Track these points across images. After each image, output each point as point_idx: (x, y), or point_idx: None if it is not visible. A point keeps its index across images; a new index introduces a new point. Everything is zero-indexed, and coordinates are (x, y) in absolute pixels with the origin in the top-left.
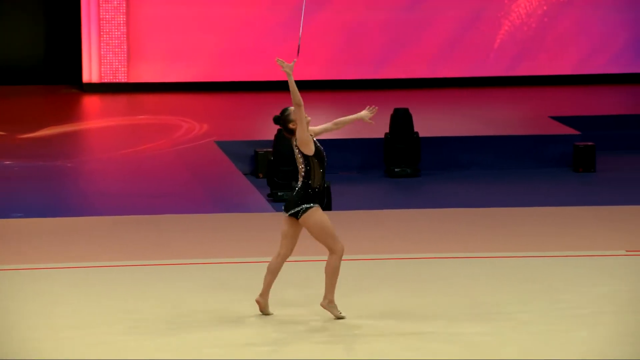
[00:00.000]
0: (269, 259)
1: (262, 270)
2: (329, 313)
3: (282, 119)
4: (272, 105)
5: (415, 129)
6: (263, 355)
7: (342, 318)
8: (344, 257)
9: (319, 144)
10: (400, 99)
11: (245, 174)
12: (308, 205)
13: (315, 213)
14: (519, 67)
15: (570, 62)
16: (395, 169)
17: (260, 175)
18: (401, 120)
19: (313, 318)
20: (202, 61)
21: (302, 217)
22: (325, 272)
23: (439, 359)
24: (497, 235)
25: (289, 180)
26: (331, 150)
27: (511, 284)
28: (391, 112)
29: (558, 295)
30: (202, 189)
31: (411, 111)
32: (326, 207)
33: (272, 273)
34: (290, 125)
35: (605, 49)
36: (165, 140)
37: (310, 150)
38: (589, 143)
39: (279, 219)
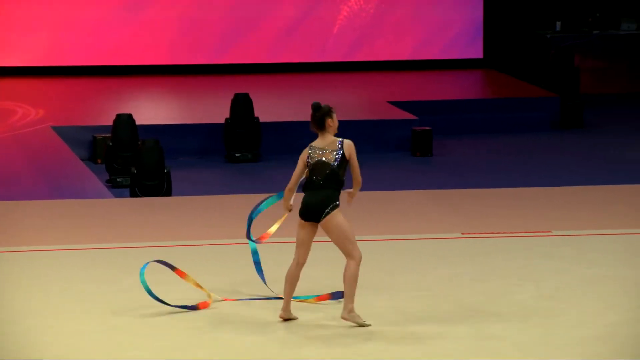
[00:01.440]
0: (109, 244)
1: (100, 256)
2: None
3: (323, 110)
4: (109, 90)
5: (256, 114)
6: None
7: (367, 326)
8: (180, 243)
9: (312, 160)
10: (240, 84)
11: (83, 160)
12: (338, 204)
13: (338, 215)
14: (358, 52)
15: (407, 48)
16: (236, 154)
17: (99, 161)
18: (241, 105)
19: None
20: (37, 46)
21: (324, 219)
22: (344, 280)
23: None
24: None
25: (128, 167)
26: (171, 135)
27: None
28: (231, 97)
29: (396, 277)
30: (39, 175)
31: (251, 96)
32: (166, 192)
33: (292, 284)
34: (328, 122)
35: (441, 35)
36: (0, 125)
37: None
38: (426, 128)
39: (131, 206)
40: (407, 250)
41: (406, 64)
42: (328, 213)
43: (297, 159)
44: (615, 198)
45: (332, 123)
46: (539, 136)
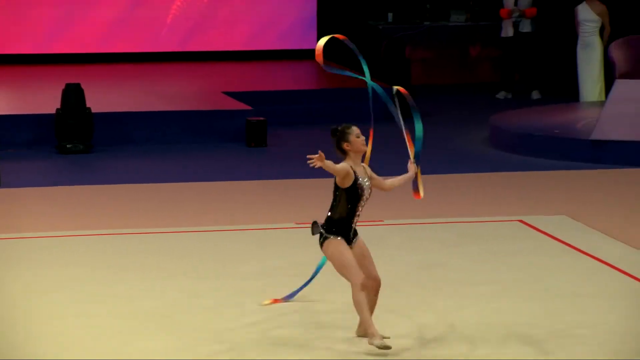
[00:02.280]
0: None
1: None
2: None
3: (339, 133)
4: None
5: (88, 105)
6: None
7: (387, 348)
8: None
9: (361, 182)
10: (71, 74)
11: None
12: (327, 235)
13: (327, 247)
14: (192, 42)
15: (241, 39)
16: (67, 145)
17: None
18: (72, 95)
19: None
20: None
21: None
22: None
23: None
24: (172, 211)
25: None
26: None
27: (181, 256)
28: (62, 87)
29: (237, 267)
30: None
31: (83, 86)
32: None
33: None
34: (345, 146)
35: (275, 26)
36: None
37: (344, 183)
38: (261, 118)
39: None
40: (245, 240)
41: (240, 55)
42: (321, 247)
43: (131, 150)
44: (446, 187)
45: (350, 146)
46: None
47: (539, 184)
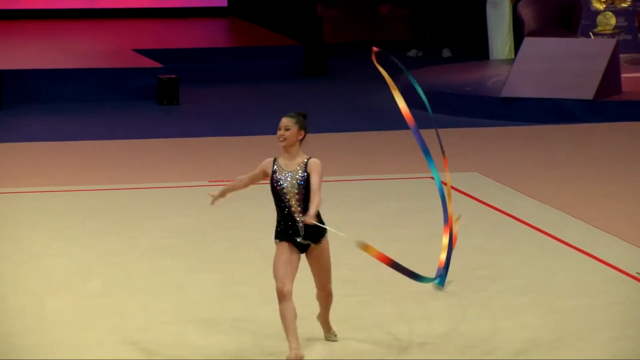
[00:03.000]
0: None
1: None
2: None
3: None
4: None
5: None
6: None
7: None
8: None
9: (278, 176)
10: None
11: None
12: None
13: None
14: None
15: None
16: None
17: None
18: None
19: None
20: None
21: None
22: None
23: None
24: (82, 169)
25: None
26: None
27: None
28: None
29: (142, 225)
30: None
31: None
32: None
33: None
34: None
35: None
36: None
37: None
38: (173, 76)
39: None
40: (154, 198)
41: (150, 12)
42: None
43: (41, 108)
44: (360, 145)
45: (302, 136)
46: (284, 84)
47: (451, 142)
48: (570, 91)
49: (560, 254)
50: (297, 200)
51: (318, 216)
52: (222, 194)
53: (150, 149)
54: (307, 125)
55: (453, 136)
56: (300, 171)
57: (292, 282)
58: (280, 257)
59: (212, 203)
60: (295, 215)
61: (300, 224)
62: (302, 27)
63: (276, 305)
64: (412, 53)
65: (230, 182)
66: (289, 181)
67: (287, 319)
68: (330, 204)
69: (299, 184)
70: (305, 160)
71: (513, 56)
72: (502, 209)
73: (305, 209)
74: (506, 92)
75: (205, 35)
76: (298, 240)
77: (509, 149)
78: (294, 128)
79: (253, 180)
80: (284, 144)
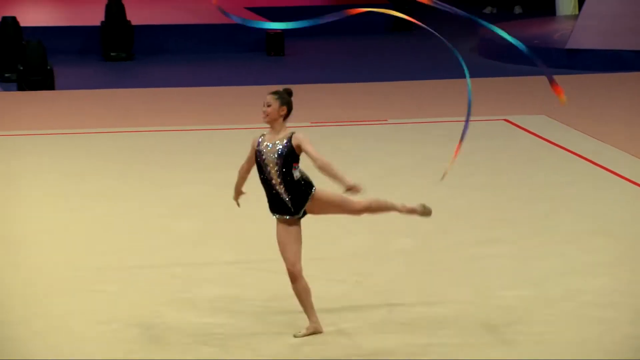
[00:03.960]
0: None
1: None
2: None
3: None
4: None
5: (128, 18)
6: None
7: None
8: None
9: (261, 147)
10: None
11: None
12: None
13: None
14: None
15: None
16: (112, 53)
17: None
18: (115, 9)
19: None
20: None
21: None
22: None
23: None
24: (202, 112)
25: (14, 64)
26: (51, 36)
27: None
28: (105, 1)
29: None
30: None
31: (123, 1)
32: (49, 87)
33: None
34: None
35: None
36: None
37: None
38: (278, 30)
39: (20, 98)
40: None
41: None
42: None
43: (167, 59)
44: (440, 91)
45: (285, 111)
46: (375, 38)
47: (522, 88)
48: (628, 43)
49: (618, 186)
50: (277, 171)
51: (304, 182)
52: (238, 191)
53: (260, 94)
54: (291, 101)
55: (523, 84)
56: (283, 142)
57: (301, 260)
58: (282, 236)
59: (238, 204)
60: (277, 187)
61: (283, 196)
62: None
63: None
64: (487, 10)
65: (237, 177)
66: (269, 150)
67: (303, 297)
68: (414, 140)
69: (278, 153)
70: (290, 134)
71: (577, 12)
72: (566, 147)
73: (284, 181)
74: (571, 44)
75: None
76: (287, 218)
77: (573, 95)
78: (275, 104)
79: (250, 161)
80: (266, 119)
